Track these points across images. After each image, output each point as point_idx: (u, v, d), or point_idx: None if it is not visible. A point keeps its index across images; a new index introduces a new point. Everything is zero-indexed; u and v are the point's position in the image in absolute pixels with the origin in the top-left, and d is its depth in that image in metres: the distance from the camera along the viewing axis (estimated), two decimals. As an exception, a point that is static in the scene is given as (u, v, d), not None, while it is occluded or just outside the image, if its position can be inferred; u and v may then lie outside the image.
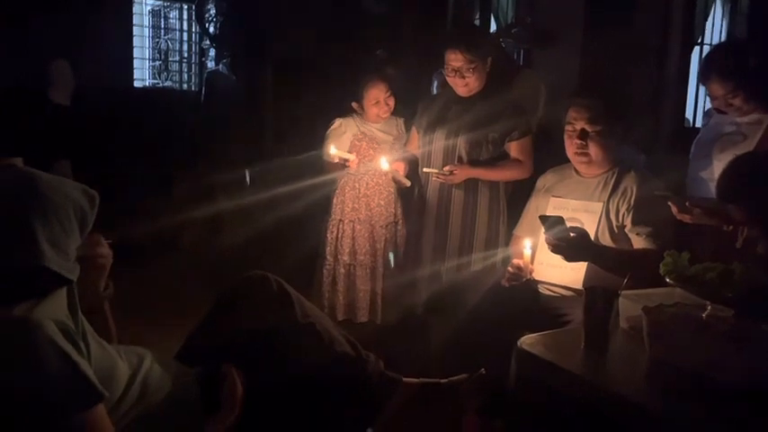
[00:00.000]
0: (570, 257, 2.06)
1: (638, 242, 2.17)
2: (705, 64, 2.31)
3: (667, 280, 1.60)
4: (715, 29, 4.50)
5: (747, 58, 2.19)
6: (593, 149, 2.24)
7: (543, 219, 2.10)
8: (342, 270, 2.97)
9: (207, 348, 1.61)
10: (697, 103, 4.45)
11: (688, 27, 4.25)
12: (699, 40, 4.39)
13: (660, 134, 4.24)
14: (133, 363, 1.37)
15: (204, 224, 3.94)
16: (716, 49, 2.68)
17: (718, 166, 2.20)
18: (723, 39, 4.44)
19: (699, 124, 4.40)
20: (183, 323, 1.80)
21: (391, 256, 2.97)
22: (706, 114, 2.57)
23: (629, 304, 1.61)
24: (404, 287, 2.84)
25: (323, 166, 2.96)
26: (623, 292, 1.64)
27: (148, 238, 3.68)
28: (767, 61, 2.19)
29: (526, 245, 2.17)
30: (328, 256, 2.98)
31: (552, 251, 2.06)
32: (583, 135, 2.25)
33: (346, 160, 2.83)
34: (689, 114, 4.53)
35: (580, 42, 4.09)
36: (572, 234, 2.03)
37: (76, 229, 1.24)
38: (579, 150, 2.27)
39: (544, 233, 2.07)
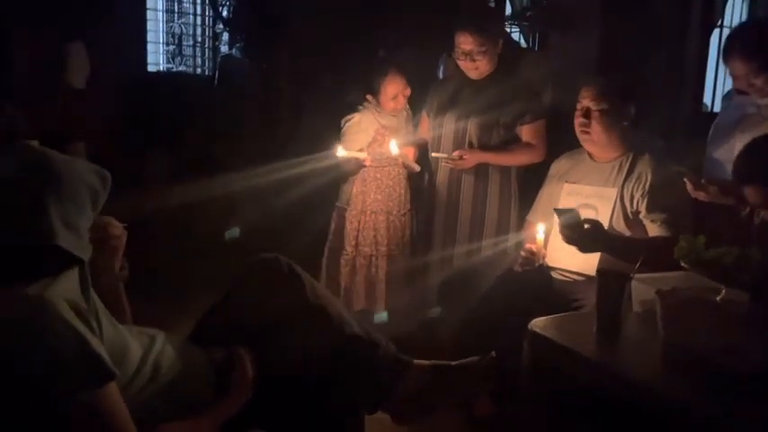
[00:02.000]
0: (585, 248, 2.04)
1: (653, 229, 2.14)
2: (728, 42, 2.28)
3: (682, 264, 1.58)
4: (735, 11, 4.40)
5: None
6: (595, 128, 2.22)
7: (558, 211, 2.08)
8: (362, 261, 2.94)
9: (219, 330, 1.62)
10: (715, 88, 4.38)
11: (708, 9, 4.16)
12: (719, 23, 4.30)
13: (678, 119, 4.18)
14: (145, 343, 1.38)
15: (217, 209, 3.95)
16: (740, 27, 2.64)
17: (739, 147, 2.16)
18: (744, 20, 4.34)
19: (717, 109, 4.34)
20: (196, 305, 1.81)
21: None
22: (726, 97, 2.55)
23: (643, 288, 1.59)
24: (414, 273, 2.83)
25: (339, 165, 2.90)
26: (636, 276, 1.63)
27: (161, 222, 3.70)
28: None
29: (539, 230, 2.16)
30: (347, 247, 2.94)
31: (567, 242, 2.04)
32: (587, 113, 2.22)
33: (358, 159, 2.79)
34: (707, 100, 4.46)
35: (597, 25, 4.02)
36: (586, 225, 2.01)
37: (89, 208, 1.24)
38: (581, 129, 2.25)
39: (558, 225, 2.05)
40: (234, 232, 3.48)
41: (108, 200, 1.30)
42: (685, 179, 2.05)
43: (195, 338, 1.61)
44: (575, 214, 2.02)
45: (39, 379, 1.12)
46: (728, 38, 2.35)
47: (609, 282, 1.54)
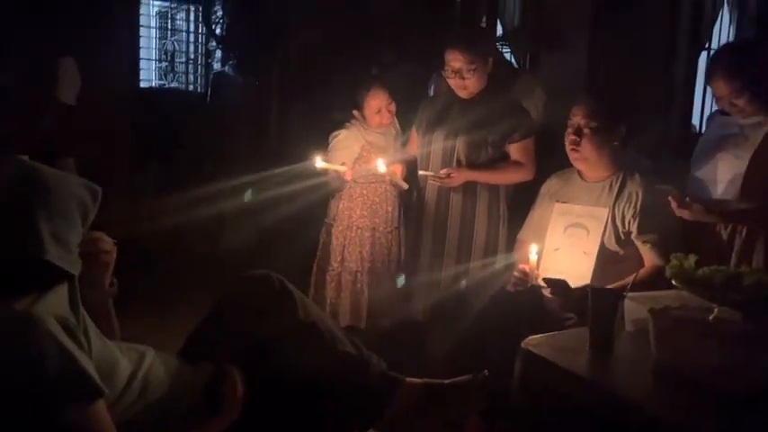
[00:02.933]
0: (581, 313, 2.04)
1: (645, 251, 2.16)
2: (712, 62, 2.32)
3: (674, 283, 1.59)
4: (723, 34, 4.47)
5: (755, 59, 2.19)
6: (585, 146, 2.24)
7: (547, 281, 2.10)
8: (348, 277, 2.93)
9: (209, 347, 1.60)
10: (704, 109, 4.43)
11: (695, 31, 4.23)
12: (706, 45, 4.37)
13: (666, 140, 4.22)
14: (134, 359, 1.36)
15: (208, 225, 3.93)
16: (724, 47, 2.67)
17: (721, 167, 2.21)
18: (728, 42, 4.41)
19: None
20: (186, 322, 1.79)
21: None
22: (710, 118, 2.57)
23: (635, 306, 1.59)
24: (401, 294, 2.81)
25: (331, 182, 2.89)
26: (629, 295, 1.63)
27: (152, 238, 3.68)
28: None
29: (532, 250, 2.16)
30: (333, 263, 2.94)
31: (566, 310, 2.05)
32: (577, 131, 2.25)
33: (338, 172, 2.77)
34: (695, 120, 4.51)
35: (587, 45, 4.08)
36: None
37: (79, 222, 1.24)
38: (572, 147, 2.27)
39: (550, 295, 2.08)
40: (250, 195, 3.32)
41: (99, 214, 1.29)
42: (670, 197, 2.07)
43: (185, 354, 1.59)
44: (563, 284, 2.04)
45: (26, 396, 1.10)
46: (712, 59, 2.39)
47: (602, 300, 1.54)
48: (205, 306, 1.71)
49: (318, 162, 2.71)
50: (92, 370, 1.16)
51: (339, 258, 2.95)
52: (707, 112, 4.40)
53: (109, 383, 1.21)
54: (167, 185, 4.44)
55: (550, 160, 2.63)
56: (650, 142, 3.62)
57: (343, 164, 2.78)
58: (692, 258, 1.55)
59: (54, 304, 1.18)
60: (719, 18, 4.43)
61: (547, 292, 2.14)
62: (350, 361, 1.63)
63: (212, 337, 1.63)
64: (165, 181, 4.53)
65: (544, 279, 2.11)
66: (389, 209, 2.97)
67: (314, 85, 4.70)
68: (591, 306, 1.54)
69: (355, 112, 2.92)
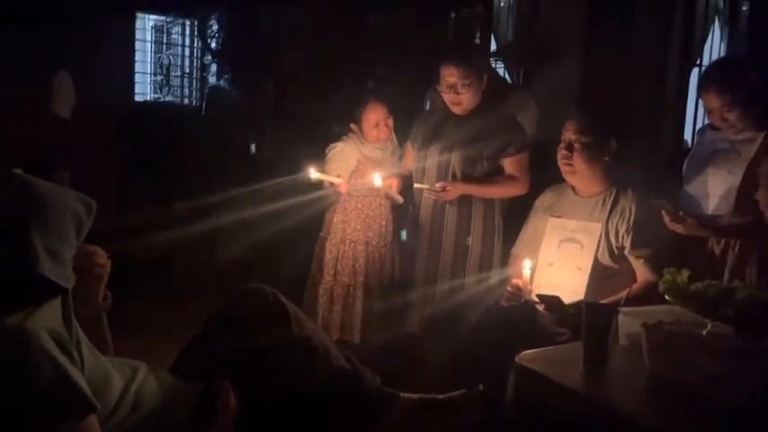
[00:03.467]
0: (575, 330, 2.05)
1: (638, 266, 2.17)
2: (704, 76, 2.35)
3: (667, 297, 1.59)
4: (714, 50, 4.51)
5: (746, 74, 2.22)
6: (577, 161, 2.25)
7: (541, 297, 2.11)
8: (340, 290, 2.93)
9: (202, 362, 1.60)
10: (695, 124, 4.46)
11: (687, 47, 4.27)
12: (698, 62, 4.41)
13: (658, 155, 4.25)
14: (127, 374, 1.35)
15: (201, 239, 3.92)
16: (717, 62, 2.70)
17: (712, 182, 2.23)
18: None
19: (697, 145, 4.42)
20: (179, 336, 1.78)
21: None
22: (699, 132, 2.59)
23: (629, 321, 1.60)
24: (396, 308, 2.81)
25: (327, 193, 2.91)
26: (623, 309, 1.64)
27: (147, 252, 3.67)
28: (765, 80, 2.22)
29: (526, 265, 2.16)
30: (326, 276, 2.94)
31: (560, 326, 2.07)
32: (569, 146, 2.26)
33: (333, 184, 2.78)
34: (687, 136, 4.54)
35: (580, 61, 4.12)
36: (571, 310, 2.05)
37: (73, 236, 1.23)
38: (564, 162, 2.29)
39: (544, 311, 2.09)
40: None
41: (93, 227, 1.29)
42: (663, 211, 2.08)
43: (178, 369, 1.58)
44: (557, 300, 2.06)
45: (18, 410, 1.09)
46: (704, 73, 2.42)
47: (596, 315, 1.54)
48: (199, 319, 1.71)
49: (313, 173, 2.72)
50: (84, 385, 1.15)
51: (332, 272, 2.95)
52: (699, 128, 4.44)
53: (101, 398, 1.21)
54: (163, 198, 4.45)
55: (543, 174, 2.65)
56: (644, 158, 3.66)
57: (338, 176, 2.79)
58: (685, 273, 1.56)
59: (47, 318, 1.17)
60: (711, 35, 4.48)
61: (540, 308, 2.14)
62: (344, 375, 1.63)
63: (205, 352, 1.62)
64: (160, 194, 4.53)
65: (538, 295, 2.11)
66: (383, 223, 2.97)
67: (309, 98, 4.73)
68: (585, 321, 1.55)
69: (353, 126, 2.93)
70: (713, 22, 4.47)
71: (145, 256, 3.65)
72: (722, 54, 4.51)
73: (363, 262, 2.93)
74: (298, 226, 2.90)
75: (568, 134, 2.27)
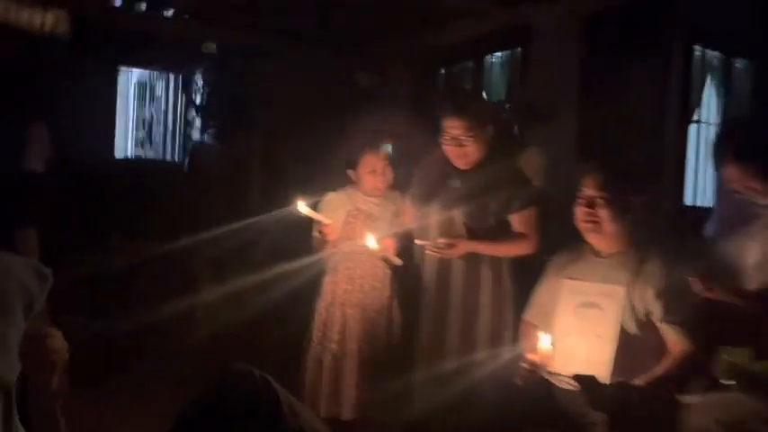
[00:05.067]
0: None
1: (669, 334, 1.96)
2: (720, 146, 2.20)
3: (727, 382, 1.37)
4: (711, 107, 4.46)
5: (763, 138, 2.11)
6: (604, 217, 2.06)
7: (577, 378, 1.88)
8: (329, 358, 2.67)
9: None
10: (696, 182, 4.37)
11: (684, 104, 4.20)
12: (695, 118, 4.34)
13: (658, 214, 4.12)
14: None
15: (185, 305, 3.65)
16: (728, 130, 2.58)
17: (751, 246, 2.07)
18: (717, 117, 4.41)
19: (699, 203, 4.31)
20: (158, 420, 1.53)
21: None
22: (725, 191, 2.43)
23: (698, 418, 1.34)
24: (397, 385, 2.53)
25: (312, 244, 2.71)
26: (688, 400, 1.39)
27: (121, 317, 3.40)
28: None
29: (544, 340, 1.94)
30: (315, 341, 2.69)
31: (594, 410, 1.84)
32: (591, 202, 2.08)
33: (321, 224, 2.55)
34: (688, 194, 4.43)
35: (575, 118, 4.03)
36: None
37: (20, 317, 1.01)
38: (587, 219, 2.09)
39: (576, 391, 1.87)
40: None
41: (57, 299, 1.07)
42: (695, 280, 1.91)
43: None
44: (593, 380, 1.84)
45: None
46: (718, 141, 2.27)
47: (654, 407, 1.31)
48: (182, 399, 1.46)
49: (301, 206, 2.48)
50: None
51: (320, 336, 2.70)
52: (700, 187, 4.34)
53: None
54: (140, 262, 4.19)
55: (544, 233, 2.50)
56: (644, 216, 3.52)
57: (344, 232, 2.61)
58: (745, 352, 1.35)
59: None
60: (705, 90, 4.43)
61: (562, 383, 1.91)
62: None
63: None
64: (138, 256, 4.27)
65: (574, 376, 1.87)
66: (377, 284, 2.72)
67: (296, 154, 4.58)
68: (638, 413, 1.32)
69: (349, 173, 2.73)
70: (706, 77, 4.45)
71: (120, 321, 3.39)
72: (719, 109, 4.47)
73: (356, 327, 2.67)
74: (292, 293, 2.66)
75: (589, 190, 2.09)
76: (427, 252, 2.49)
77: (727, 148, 2.11)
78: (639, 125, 4.05)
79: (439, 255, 2.45)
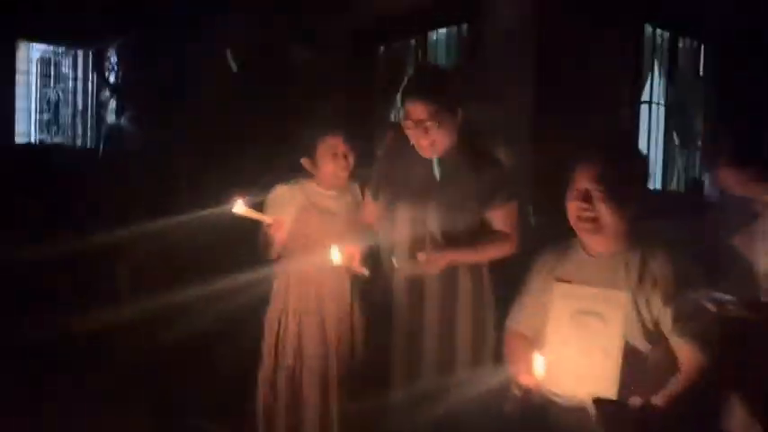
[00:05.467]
0: None
1: (682, 347, 1.73)
2: (709, 151, 2.09)
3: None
4: (660, 89, 4.38)
5: (760, 142, 2.04)
6: (603, 212, 1.81)
7: (597, 402, 1.64)
8: (284, 376, 2.34)
9: None
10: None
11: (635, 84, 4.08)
12: (647, 99, 4.24)
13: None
14: None
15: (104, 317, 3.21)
16: (718, 135, 2.48)
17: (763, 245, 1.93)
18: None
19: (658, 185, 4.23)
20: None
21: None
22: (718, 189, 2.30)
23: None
24: (367, 409, 2.19)
25: (259, 241, 2.35)
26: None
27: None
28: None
29: (538, 361, 1.67)
30: (266, 358, 2.36)
31: None
32: (586, 196, 1.83)
33: (262, 222, 2.23)
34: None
35: (530, 93, 3.82)
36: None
37: None
38: (583, 214, 1.83)
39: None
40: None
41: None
42: (706, 303, 1.72)
43: None
44: (615, 405, 1.63)
45: None
46: (709, 146, 2.18)
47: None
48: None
49: (238, 206, 2.10)
50: None
51: (272, 353, 2.36)
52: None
53: None
54: (47, 261, 3.69)
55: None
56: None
57: (296, 228, 2.31)
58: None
59: None
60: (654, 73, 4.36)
61: (569, 408, 1.65)
62: None
63: None
64: (44, 258, 3.76)
65: (594, 400, 1.61)
66: (336, 288, 2.40)
67: (223, 138, 4.18)
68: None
69: (305, 161, 2.39)
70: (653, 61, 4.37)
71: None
72: (666, 91, 4.40)
73: (313, 338, 2.35)
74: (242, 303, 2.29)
75: (584, 182, 1.82)
76: (407, 275, 2.16)
77: (721, 152, 2.03)
78: (597, 103, 3.91)
79: (418, 272, 2.14)
